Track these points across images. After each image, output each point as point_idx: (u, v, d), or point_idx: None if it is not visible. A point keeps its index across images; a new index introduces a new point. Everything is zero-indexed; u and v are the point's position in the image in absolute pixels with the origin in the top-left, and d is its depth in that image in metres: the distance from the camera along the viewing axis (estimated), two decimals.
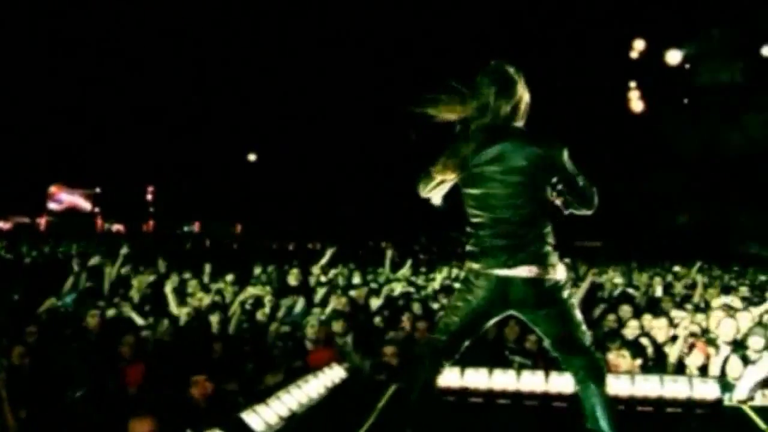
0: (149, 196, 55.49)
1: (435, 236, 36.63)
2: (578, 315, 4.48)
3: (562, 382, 6.03)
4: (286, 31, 45.01)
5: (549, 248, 4.39)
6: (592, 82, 35.70)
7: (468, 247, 4.49)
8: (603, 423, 4.37)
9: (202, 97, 46.07)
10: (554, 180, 4.40)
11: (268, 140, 47.43)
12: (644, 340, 8.54)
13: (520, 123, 4.49)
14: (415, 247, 30.02)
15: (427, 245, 32.29)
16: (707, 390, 6.00)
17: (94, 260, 12.35)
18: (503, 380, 6.13)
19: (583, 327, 4.47)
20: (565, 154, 4.37)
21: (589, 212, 4.49)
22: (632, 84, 38.40)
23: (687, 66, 38.82)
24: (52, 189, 54.99)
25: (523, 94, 4.51)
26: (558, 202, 4.48)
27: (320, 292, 11.41)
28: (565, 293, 4.45)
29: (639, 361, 7.78)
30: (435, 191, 4.60)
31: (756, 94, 38.52)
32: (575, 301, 4.53)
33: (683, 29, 37.12)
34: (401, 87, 43.45)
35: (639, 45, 37.64)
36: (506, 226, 4.36)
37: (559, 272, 4.42)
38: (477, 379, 6.11)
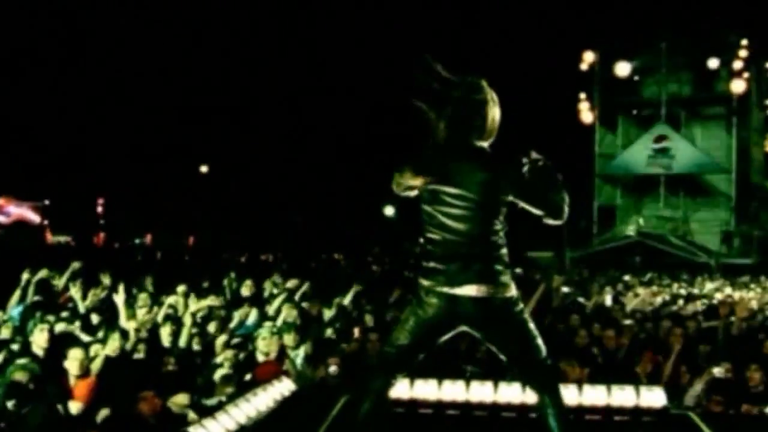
0: (99, 209, 54.88)
1: (389, 247, 36.67)
2: (531, 330, 4.47)
3: (511, 393, 6.07)
4: (233, 42, 44.95)
5: (500, 267, 4.38)
6: (543, 94, 35.94)
7: (422, 263, 4.50)
8: None
9: (153, 108, 45.77)
10: (509, 199, 4.39)
11: (220, 151, 47.22)
12: (594, 349, 8.64)
13: (485, 141, 4.48)
14: (369, 258, 30.02)
15: (380, 256, 32.23)
16: (654, 397, 6.07)
17: (42, 273, 12.14)
18: (452, 391, 6.14)
19: (537, 341, 4.46)
20: (521, 172, 4.35)
21: (557, 222, 4.46)
22: (582, 95, 38.86)
23: (636, 78, 39.33)
24: (0, 201, 54.20)
25: (491, 112, 4.49)
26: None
27: (275, 304, 11.34)
28: (517, 309, 4.43)
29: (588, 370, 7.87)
30: (407, 192, 4.58)
31: (703, 107, 39.14)
32: (527, 315, 4.51)
33: (632, 42, 37.60)
34: (351, 97, 43.67)
35: (589, 57, 38.10)
36: (456, 245, 4.37)
37: (511, 290, 4.40)
38: (426, 390, 6.12)
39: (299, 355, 8.67)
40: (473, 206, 4.35)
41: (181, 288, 12.15)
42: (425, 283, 4.42)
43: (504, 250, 4.44)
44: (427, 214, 4.46)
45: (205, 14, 44.17)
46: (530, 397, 5.86)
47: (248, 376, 7.83)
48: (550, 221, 4.44)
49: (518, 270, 16.86)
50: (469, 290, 4.33)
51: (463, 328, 4.49)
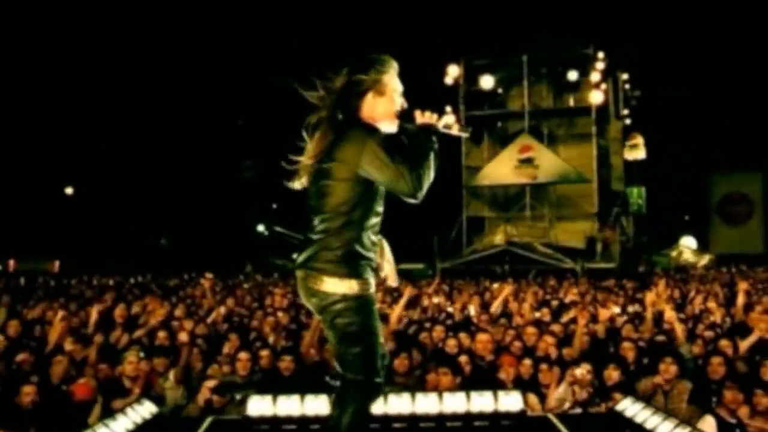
0: None
1: (260, 264, 36.44)
2: (352, 336, 4.29)
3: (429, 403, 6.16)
4: (98, 61, 44.01)
5: (330, 255, 4.26)
6: (408, 108, 36.33)
7: None
8: None
9: (15, 129, 44.31)
10: (359, 179, 4.21)
11: (86, 172, 46.05)
12: (463, 358, 8.78)
13: (370, 119, 4.36)
14: (240, 276, 29.77)
15: (252, 275, 31.98)
16: (512, 402, 6.22)
17: None
18: (314, 406, 6.17)
19: (355, 349, 4.29)
20: (367, 150, 4.15)
21: (412, 201, 4.18)
22: (447, 109, 39.47)
23: (500, 91, 40.19)
24: None
25: (377, 87, 4.37)
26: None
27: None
28: (337, 308, 4.27)
29: (459, 379, 8.00)
30: None
31: (562, 117, 40.26)
32: (355, 320, 4.29)
33: (495, 55, 38.44)
34: (217, 116, 43.37)
35: (453, 70, 38.73)
36: (309, 223, 4.39)
37: (332, 285, 4.25)
38: (289, 406, 6.13)
39: (168, 379, 8.57)
40: (325, 185, 4.30)
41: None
42: None
43: (345, 238, 4.28)
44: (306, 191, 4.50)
45: (67, 35, 43.05)
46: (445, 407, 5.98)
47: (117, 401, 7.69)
48: (409, 200, 4.21)
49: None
50: (299, 272, 4.39)
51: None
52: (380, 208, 4.41)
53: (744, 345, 9.17)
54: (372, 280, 4.38)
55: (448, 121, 4.44)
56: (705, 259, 39.93)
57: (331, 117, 4.36)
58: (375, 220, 4.37)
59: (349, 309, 4.27)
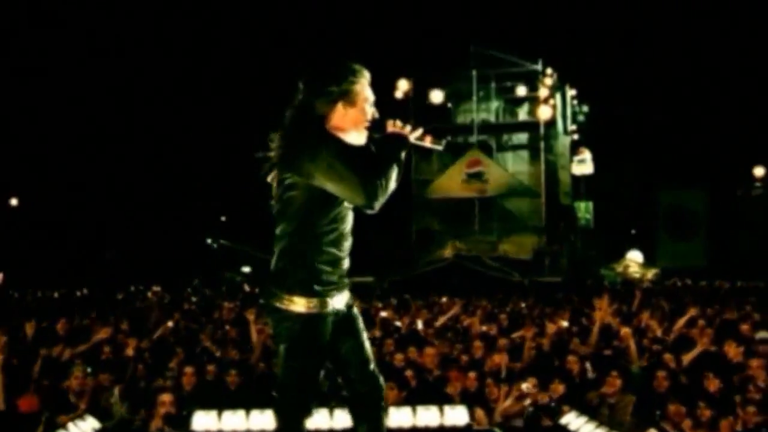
0: None
1: (209, 278, 36.23)
2: (291, 355, 4.20)
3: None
4: (42, 71, 43.48)
5: (286, 270, 4.16)
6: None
7: None
8: None
9: None
10: (314, 189, 4.05)
11: (31, 183, 45.32)
12: (409, 372, 8.79)
13: (338, 128, 4.22)
14: (188, 290, 29.53)
15: (200, 288, 31.76)
16: (458, 416, 6.24)
17: None
18: (260, 421, 6.12)
19: (288, 368, 4.22)
20: (320, 159, 4.00)
21: (369, 211, 4.07)
22: (398, 123, 39.52)
23: (449, 105, 40.41)
24: None
25: (348, 97, 4.22)
26: None
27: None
28: (286, 325, 4.17)
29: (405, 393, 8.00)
30: None
31: (513, 133, 40.58)
32: (299, 340, 4.17)
33: (445, 70, 38.66)
34: (168, 126, 43.02)
35: (403, 85, 38.86)
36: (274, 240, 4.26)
37: (286, 302, 4.13)
38: (234, 421, 6.08)
39: (114, 394, 8.47)
40: (285, 199, 4.16)
41: None
42: None
43: (303, 255, 4.15)
44: None
45: (13, 43, 42.48)
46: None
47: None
48: (361, 207, 4.10)
49: None
50: (260, 294, 4.34)
51: None
52: (343, 222, 4.23)
53: (687, 358, 9.29)
54: (335, 300, 4.23)
55: (421, 134, 4.37)
56: (651, 273, 40.30)
57: (292, 124, 4.23)
58: (335, 234, 4.20)
59: (297, 327, 4.15)
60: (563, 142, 42.23)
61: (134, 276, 33.53)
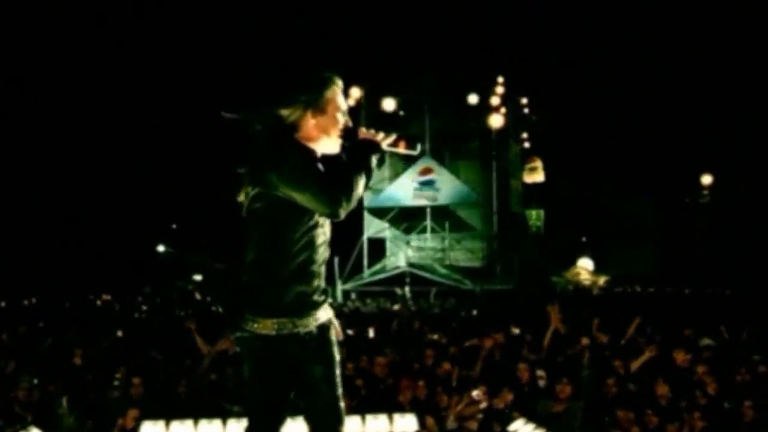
0: None
1: (159, 286, 35.91)
2: (253, 379, 4.08)
3: None
4: None
5: (252, 288, 4.02)
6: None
7: None
8: None
9: None
10: (280, 201, 3.94)
11: None
12: (359, 380, 8.77)
13: (308, 138, 4.13)
14: (139, 298, 29.25)
15: (151, 296, 31.48)
16: (407, 424, 6.23)
17: None
18: (208, 431, 6.05)
19: (253, 393, 4.10)
20: (284, 169, 3.92)
21: (334, 219, 4.03)
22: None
23: (402, 113, 40.44)
24: None
25: (317, 105, 4.14)
26: None
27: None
28: (248, 346, 4.05)
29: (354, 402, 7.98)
30: None
31: (464, 141, 40.72)
32: (260, 362, 4.04)
33: (397, 78, 38.71)
34: (118, 131, 42.59)
35: (355, 93, 38.84)
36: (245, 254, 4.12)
37: (249, 322, 3.99)
38: (182, 431, 6.02)
39: (62, 405, 8.36)
40: (252, 213, 4.05)
41: None
42: None
43: (263, 269, 4.02)
44: None
45: None
46: None
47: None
48: (326, 215, 4.04)
49: None
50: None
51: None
52: (315, 234, 4.08)
53: (635, 365, 9.37)
54: (306, 319, 4.08)
55: (394, 139, 4.32)
56: (602, 280, 40.65)
57: (261, 135, 4.15)
58: (306, 247, 4.05)
59: (262, 350, 4.01)
60: (514, 150, 42.49)
61: (85, 284, 33.12)
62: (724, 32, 36.75)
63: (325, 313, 4.23)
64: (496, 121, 37.86)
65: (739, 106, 38.40)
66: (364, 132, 4.27)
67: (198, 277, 40.97)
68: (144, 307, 22.99)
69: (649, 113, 40.88)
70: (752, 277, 33.60)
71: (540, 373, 9.35)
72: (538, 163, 42.03)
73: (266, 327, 3.97)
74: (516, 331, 13.38)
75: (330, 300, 4.29)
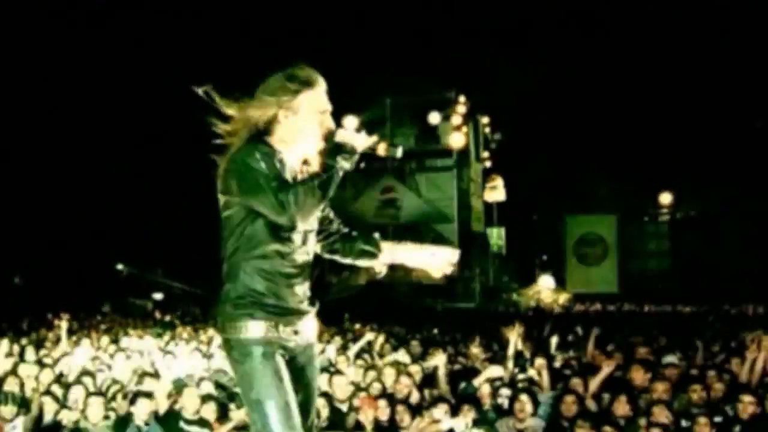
0: None
1: (119, 305, 35.59)
2: (246, 395, 3.80)
3: None
4: None
5: (227, 293, 3.85)
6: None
7: None
8: None
9: None
10: (240, 205, 3.82)
11: None
12: (320, 401, 8.75)
13: (282, 142, 3.96)
14: (98, 317, 28.94)
15: (110, 315, 31.16)
16: None
17: None
18: None
19: (253, 414, 3.77)
20: (237, 171, 3.79)
21: (286, 224, 3.80)
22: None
23: (363, 131, 40.48)
24: None
25: (289, 106, 3.97)
26: None
27: None
28: (232, 355, 3.83)
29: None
30: None
31: (424, 159, 40.87)
32: (247, 371, 3.79)
33: (359, 97, 38.78)
34: (75, 147, 42.18)
35: None
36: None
37: (228, 329, 3.82)
38: None
39: (17, 427, 8.26)
40: (223, 217, 3.92)
41: None
42: None
43: (234, 273, 3.85)
44: None
45: None
46: None
47: None
48: (277, 221, 3.78)
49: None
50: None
51: None
52: (288, 240, 3.89)
53: (594, 383, 9.43)
54: (283, 330, 3.85)
55: (375, 142, 4.09)
56: (562, 298, 40.90)
57: (229, 144, 3.95)
58: (279, 253, 3.86)
59: (242, 357, 3.78)
60: (476, 169, 42.68)
61: (43, 302, 32.72)
62: (681, 51, 37.20)
63: (308, 329, 4.02)
64: (457, 140, 38.05)
65: (697, 125, 38.89)
66: (341, 134, 4.04)
67: (158, 296, 40.62)
68: (103, 327, 22.71)
69: (610, 132, 41.25)
70: (710, 294, 34.00)
71: (501, 391, 9.38)
72: (499, 182, 42.27)
73: (247, 332, 3.78)
74: (477, 350, 13.40)
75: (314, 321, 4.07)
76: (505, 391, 9.34)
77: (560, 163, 42.91)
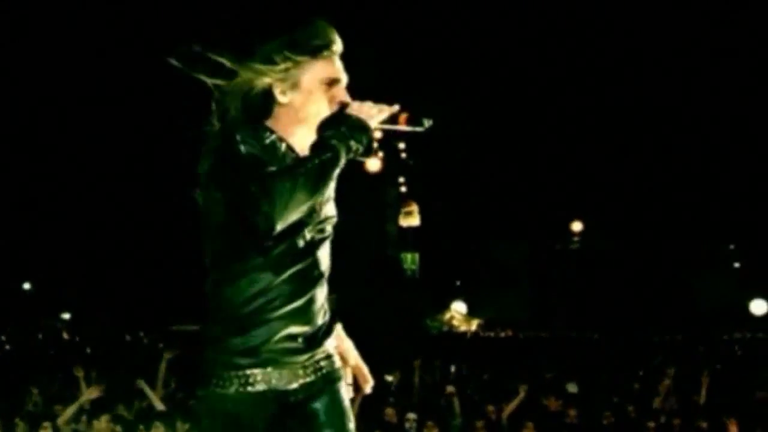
0: None
1: (25, 325, 34.74)
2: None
3: None
4: None
5: (206, 334, 2.89)
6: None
7: None
8: None
9: None
10: (221, 206, 2.81)
11: None
12: None
13: (281, 127, 2.98)
14: (2, 337, 28.22)
15: (15, 336, 30.39)
16: None
17: None
18: None
19: None
20: (218, 166, 2.83)
21: (266, 231, 2.68)
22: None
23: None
24: None
25: (288, 79, 2.94)
26: None
27: None
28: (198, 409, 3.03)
29: None
30: None
31: (341, 184, 40.86)
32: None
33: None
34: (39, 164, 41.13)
35: None
36: None
37: (200, 378, 2.95)
38: None
39: None
40: (203, 220, 2.96)
41: None
42: None
43: (213, 307, 2.91)
44: None
45: None
46: None
47: None
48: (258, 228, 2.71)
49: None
50: None
51: None
52: (290, 256, 3.00)
53: (507, 410, 9.48)
54: (276, 374, 2.91)
55: (395, 112, 3.09)
56: (474, 324, 41.19)
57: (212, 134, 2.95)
58: (276, 273, 2.93)
59: (217, 414, 2.89)
60: (391, 194, 42.82)
61: None
62: (604, 78, 37.82)
63: (309, 375, 3.05)
64: (373, 164, 38.12)
65: (610, 155, 39.64)
66: (355, 107, 2.99)
67: (67, 315, 39.81)
68: (8, 347, 22.17)
69: (524, 160, 41.85)
70: (618, 321, 34.64)
71: (409, 416, 9.35)
72: (414, 207, 42.41)
73: (217, 386, 2.88)
74: (387, 376, 13.36)
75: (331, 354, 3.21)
76: (413, 416, 9.31)
77: (475, 190, 43.36)
